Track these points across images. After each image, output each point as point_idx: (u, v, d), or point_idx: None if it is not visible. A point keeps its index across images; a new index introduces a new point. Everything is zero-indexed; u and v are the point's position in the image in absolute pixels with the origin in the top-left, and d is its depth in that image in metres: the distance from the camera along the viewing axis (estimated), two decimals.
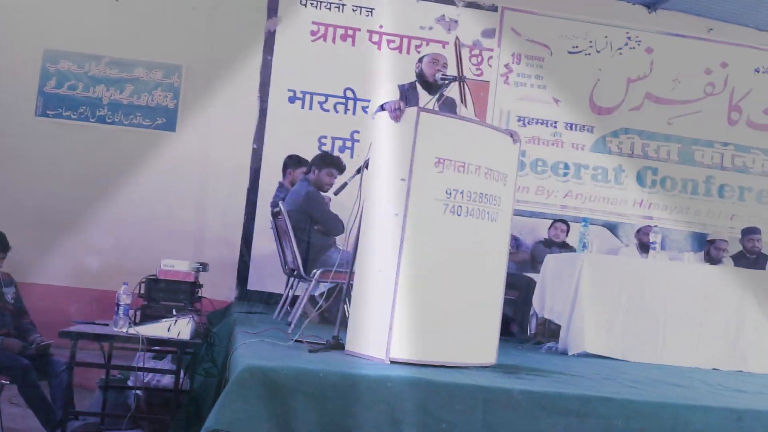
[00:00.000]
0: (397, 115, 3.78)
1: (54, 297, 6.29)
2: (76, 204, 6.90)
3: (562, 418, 3.20)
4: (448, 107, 4.45)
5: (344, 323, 3.96)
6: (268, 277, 6.79)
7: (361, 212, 3.95)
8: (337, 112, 7.31)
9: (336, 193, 4.27)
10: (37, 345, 4.71)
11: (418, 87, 4.54)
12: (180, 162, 7.03)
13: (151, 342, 4.24)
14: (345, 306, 4.26)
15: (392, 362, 3.52)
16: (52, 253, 6.79)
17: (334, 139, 7.24)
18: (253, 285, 6.96)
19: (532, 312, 6.12)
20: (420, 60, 4.63)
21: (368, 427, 3.07)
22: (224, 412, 2.95)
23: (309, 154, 6.28)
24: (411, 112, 3.75)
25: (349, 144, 7.23)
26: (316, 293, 5.51)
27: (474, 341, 3.84)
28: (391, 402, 3.10)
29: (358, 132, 7.27)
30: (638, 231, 7.35)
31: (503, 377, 3.55)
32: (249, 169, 7.09)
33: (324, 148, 7.10)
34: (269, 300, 6.59)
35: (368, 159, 4.04)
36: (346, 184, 4.25)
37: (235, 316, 5.43)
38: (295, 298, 5.38)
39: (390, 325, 3.57)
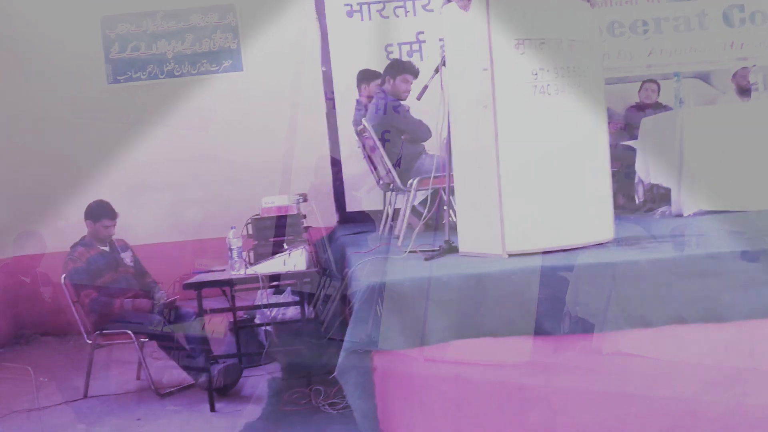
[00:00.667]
0: (465, 3, 3.61)
1: (166, 254, 6.49)
2: (165, 162, 7.04)
3: (697, 280, 3.11)
4: None
5: (452, 227, 3.93)
6: (364, 196, 6.81)
7: (448, 112, 3.85)
8: (397, 16, 7.08)
9: (419, 98, 4.16)
10: (164, 302, 4.90)
11: None
12: (254, 100, 7.02)
13: (271, 278, 4.33)
14: (449, 210, 4.23)
15: (510, 255, 3.47)
16: (154, 213, 6.98)
17: (400, 45, 7.03)
18: (351, 207, 6.98)
19: (637, 180, 5.93)
20: None
21: (500, 323, 3.07)
22: (358, 333, 3.01)
23: (379, 65, 6.15)
24: None
25: (416, 47, 7.01)
26: (416, 203, 5.49)
27: (588, 220, 3.72)
28: (519, 294, 3.08)
29: (423, 32, 7.03)
30: (734, 75, 6.92)
31: (626, 250, 3.48)
32: (323, 92, 7.01)
33: (392, 56, 6.91)
34: (370, 218, 6.62)
35: (444, 55, 3.91)
36: (426, 86, 4.13)
37: (342, 239, 5.48)
38: (396, 212, 5.37)
39: (501, 219, 3.51)
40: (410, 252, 3.99)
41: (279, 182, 6.73)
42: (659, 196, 5.73)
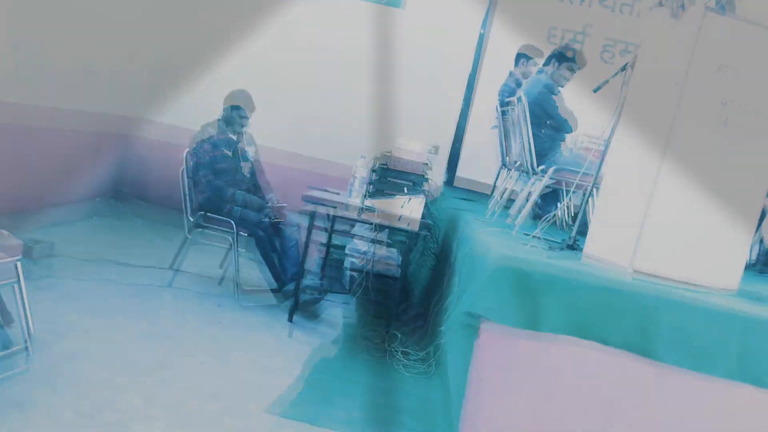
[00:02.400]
0: (678, 12, 3.48)
1: (280, 161, 6.54)
2: (302, 75, 7.08)
3: None
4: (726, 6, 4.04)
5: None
6: (477, 165, 6.75)
7: (620, 113, 3.75)
8: (571, 2, 6.90)
9: (595, 90, 4.06)
10: (272, 205, 4.96)
11: None
12: (405, 40, 6.97)
13: (386, 217, 4.33)
14: (572, 207, 4.16)
15: (636, 272, 3.39)
16: (281, 121, 7.02)
17: (564, 31, 6.87)
18: (462, 172, 6.93)
19: (755, 241, 5.72)
20: None
21: (616, 335, 3.02)
22: (479, 299, 3.01)
23: (537, 44, 6.04)
24: (696, 10, 3.43)
25: (579, 38, 6.84)
26: (538, 192, 5.42)
27: (721, 264, 3.60)
28: (642, 315, 3.02)
29: (591, 26, 6.85)
30: None
31: (758, 305, 3.35)
32: (474, 53, 6.91)
33: (552, 40, 6.76)
34: (477, 188, 6.58)
35: (635, 57, 3.79)
36: (607, 81, 4.03)
37: (450, 200, 5.46)
38: (510, 193, 5.31)
39: (639, 234, 3.43)
40: (533, 237, 3.95)
41: (402, 127, 6.68)
42: None
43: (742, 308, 3.15)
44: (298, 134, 7.00)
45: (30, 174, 5.52)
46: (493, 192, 5.69)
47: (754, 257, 5.89)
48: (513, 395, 3.01)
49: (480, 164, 6.73)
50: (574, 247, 3.79)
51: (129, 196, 7.18)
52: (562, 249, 3.75)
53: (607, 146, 3.83)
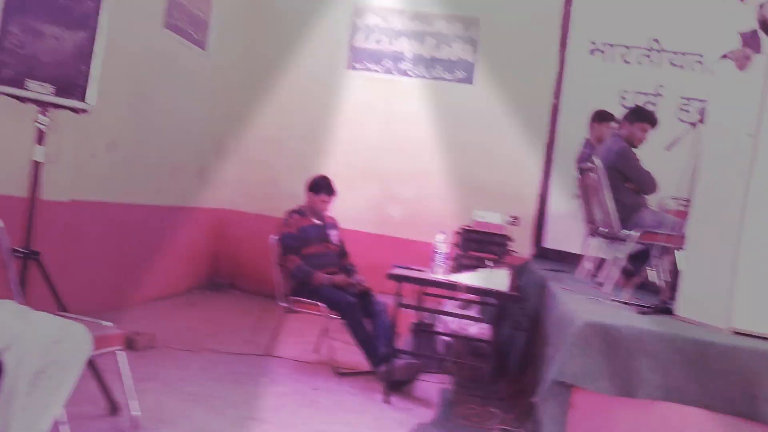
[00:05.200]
0: (744, 63, 3.48)
1: (365, 243, 6.70)
2: (379, 156, 7.31)
3: None
4: None
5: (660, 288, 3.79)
6: (563, 235, 6.71)
7: (697, 171, 3.72)
8: (640, 64, 6.93)
9: (668, 149, 4.05)
10: (360, 285, 5.06)
11: (760, 34, 4.13)
12: (478, 115, 7.13)
13: (472, 291, 4.36)
14: (662, 269, 4.08)
15: (735, 333, 3.29)
16: (363, 202, 7.24)
17: (636, 93, 6.88)
18: (548, 242, 6.91)
19: None
20: (762, 6, 4.19)
21: (720, 396, 2.92)
22: (568, 365, 2.97)
23: (610, 109, 6.06)
24: (760, 60, 3.43)
25: (653, 99, 6.83)
26: (624, 256, 5.34)
27: None
28: (746, 374, 2.92)
29: (663, 86, 6.83)
30: None
31: None
32: (548, 123, 6.98)
33: (626, 102, 6.77)
34: (564, 259, 6.50)
35: (704, 111, 3.79)
36: (679, 139, 4.02)
37: (539, 272, 5.43)
38: (600, 261, 5.26)
39: (732, 293, 3.34)
40: (622, 302, 3.91)
41: (482, 201, 6.74)
42: None
43: None
44: (379, 216, 7.16)
45: (130, 271, 5.85)
46: (580, 260, 5.65)
47: None
48: None
49: (566, 234, 6.69)
50: (667, 310, 3.71)
51: (223, 286, 7.46)
52: (654, 312, 3.68)
53: (690, 204, 3.78)
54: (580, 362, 2.98)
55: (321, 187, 5.25)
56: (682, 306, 3.62)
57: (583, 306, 3.57)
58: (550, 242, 6.88)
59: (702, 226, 3.64)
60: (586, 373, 2.97)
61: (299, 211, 5.26)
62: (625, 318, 3.30)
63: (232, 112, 7.46)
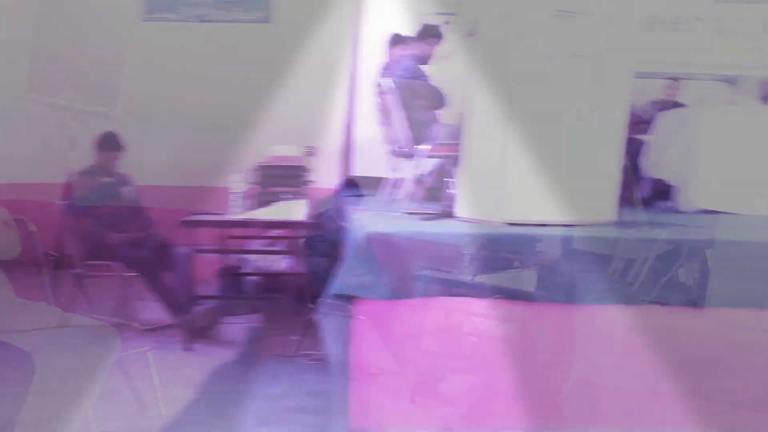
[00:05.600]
0: None
1: (166, 196, 6.45)
2: (177, 106, 7.00)
3: (691, 264, 3.09)
4: None
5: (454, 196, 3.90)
6: (373, 161, 6.74)
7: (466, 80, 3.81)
8: None
9: (438, 61, 4.13)
10: (157, 239, 4.88)
11: None
12: (277, 53, 6.96)
13: (267, 225, 4.29)
14: (453, 178, 4.19)
15: (507, 224, 3.43)
16: (162, 153, 6.93)
17: (436, 15, 6.92)
18: (359, 170, 6.93)
19: (641, 174, 5.88)
20: None
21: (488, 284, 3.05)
22: (346, 279, 2.99)
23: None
24: None
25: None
26: (423, 170, 5.45)
27: (592, 199, 3.68)
28: (511, 257, 3.06)
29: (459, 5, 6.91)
30: (763, 84, 6.78)
31: (627, 231, 3.43)
32: (350, 53, 6.94)
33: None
34: (375, 184, 6.56)
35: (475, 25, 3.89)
36: (451, 52, 4.10)
37: (343, 198, 5.45)
38: (401, 179, 5.33)
39: (503, 187, 3.47)
40: (409, 213, 3.98)
41: (290, 138, 6.65)
42: (660, 192, 5.67)
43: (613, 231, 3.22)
44: (180, 166, 6.91)
45: None
46: (385, 182, 5.70)
47: (646, 191, 6.06)
48: (391, 364, 3.02)
49: (374, 160, 6.72)
50: (449, 214, 3.81)
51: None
52: (437, 217, 3.77)
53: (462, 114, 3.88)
54: (359, 273, 3.01)
55: (108, 143, 4.97)
56: (461, 206, 3.73)
57: (367, 221, 3.60)
58: (359, 170, 6.90)
59: (473, 130, 3.75)
60: (365, 283, 3.00)
61: (88, 172, 4.97)
62: (404, 225, 3.35)
63: None
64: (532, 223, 3.43)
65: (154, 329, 4.65)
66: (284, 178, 4.81)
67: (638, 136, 6.33)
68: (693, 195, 4.98)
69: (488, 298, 3.06)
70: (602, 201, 3.72)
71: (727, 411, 3.10)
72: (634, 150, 5.98)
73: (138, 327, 4.64)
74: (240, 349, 4.22)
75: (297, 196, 4.62)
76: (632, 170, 5.99)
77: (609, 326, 3.11)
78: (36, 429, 2.33)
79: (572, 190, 3.56)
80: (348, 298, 3.00)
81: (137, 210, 5.09)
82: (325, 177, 5.89)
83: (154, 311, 4.86)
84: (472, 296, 3.05)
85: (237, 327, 4.68)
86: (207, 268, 5.47)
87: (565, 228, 3.38)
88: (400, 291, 3.01)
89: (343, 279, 2.99)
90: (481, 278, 3.05)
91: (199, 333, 4.42)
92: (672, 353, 3.11)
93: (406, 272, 3.03)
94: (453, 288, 3.04)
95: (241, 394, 3.46)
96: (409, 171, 5.16)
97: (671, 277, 3.10)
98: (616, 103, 3.74)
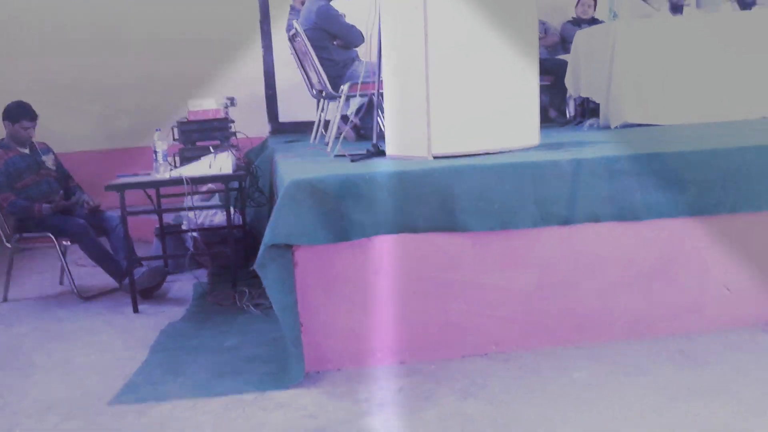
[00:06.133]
0: None
1: (93, 162, 6.34)
2: (97, 69, 6.80)
3: (616, 180, 3.19)
4: None
5: (382, 133, 3.92)
6: (298, 106, 6.70)
7: (380, 15, 3.77)
8: None
9: None
10: (88, 205, 4.80)
11: None
12: (186, 10, 6.78)
13: (196, 181, 4.25)
14: (379, 117, 4.20)
15: (435, 158, 3.47)
16: (82, 119, 6.78)
17: None
18: (284, 117, 6.89)
19: (569, 95, 5.99)
20: None
21: (422, 220, 3.10)
22: (279, 227, 3.00)
23: None
24: None
25: None
26: (348, 111, 5.45)
27: (514, 125, 3.73)
28: (441, 192, 3.11)
29: None
30: None
31: (549, 152, 3.51)
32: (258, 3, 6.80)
33: None
34: (304, 129, 6.54)
35: None
36: None
37: (272, 146, 5.43)
38: (328, 122, 5.32)
39: (428, 121, 3.50)
40: (338, 156, 3.99)
41: (211, 92, 6.55)
42: (589, 111, 5.80)
43: (532, 159, 3.29)
44: (103, 130, 6.76)
45: None
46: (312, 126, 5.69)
47: (572, 111, 6.20)
48: (338, 305, 3.07)
49: (301, 104, 6.68)
50: (380, 153, 3.84)
51: None
52: (367, 157, 3.80)
53: (379, 50, 3.85)
54: (292, 221, 3.01)
55: (18, 114, 4.80)
56: (389, 144, 3.76)
57: (295, 167, 3.60)
58: (286, 116, 6.86)
59: (392, 66, 3.74)
60: (300, 230, 3.01)
61: (1, 145, 4.81)
62: (332, 168, 3.36)
63: None
64: (458, 154, 3.48)
65: (98, 295, 4.63)
66: (208, 131, 4.75)
67: (560, 57, 6.44)
68: (616, 110, 5.10)
69: (425, 233, 3.10)
70: (523, 125, 3.78)
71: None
72: (558, 71, 6.11)
73: (81, 294, 4.61)
74: (188, 305, 4.22)
75: (223, 148, 4.56)
76: (559, 91, 6.14)
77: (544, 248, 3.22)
78: None
79: (493, 117, 3.62)
80: (285, 246, 3.02)
81: (61, 177, 4.97)
82: (250, 127, 5.84)
83: (97, 277, 4.84)
84: (407, 232, 3.09)
85: (182, 284, 4.68)
86: (145, 230, 5.45)
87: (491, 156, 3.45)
88: (337, 234, 3.03)
89: (276, 227, 2.99)
90: (413, 214, 3.08)
91: (144, 294, 4.41)
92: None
93: (339, 215, 3.04)
94: (388, 226, 3.07)
95: (194, 349, 3.46)
96: (332, 113, 5.16)
97: (599, 192, 3.19)
98: (524, 23, 3.75)
